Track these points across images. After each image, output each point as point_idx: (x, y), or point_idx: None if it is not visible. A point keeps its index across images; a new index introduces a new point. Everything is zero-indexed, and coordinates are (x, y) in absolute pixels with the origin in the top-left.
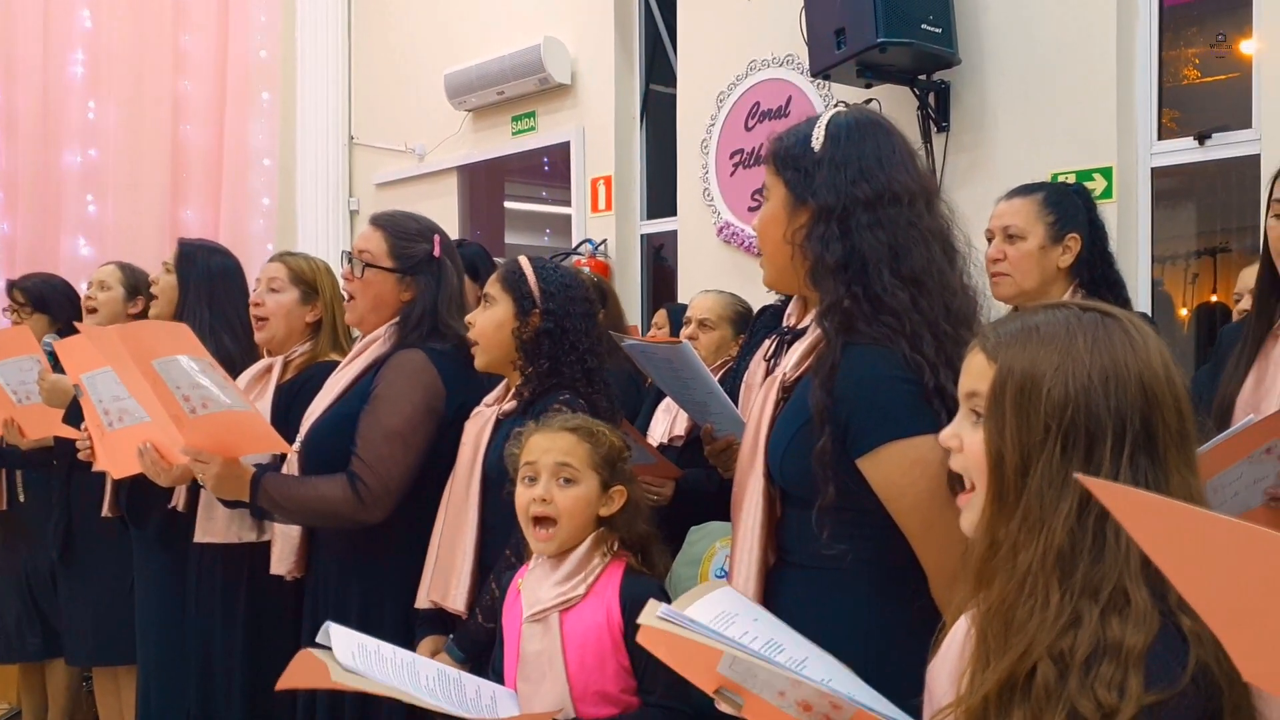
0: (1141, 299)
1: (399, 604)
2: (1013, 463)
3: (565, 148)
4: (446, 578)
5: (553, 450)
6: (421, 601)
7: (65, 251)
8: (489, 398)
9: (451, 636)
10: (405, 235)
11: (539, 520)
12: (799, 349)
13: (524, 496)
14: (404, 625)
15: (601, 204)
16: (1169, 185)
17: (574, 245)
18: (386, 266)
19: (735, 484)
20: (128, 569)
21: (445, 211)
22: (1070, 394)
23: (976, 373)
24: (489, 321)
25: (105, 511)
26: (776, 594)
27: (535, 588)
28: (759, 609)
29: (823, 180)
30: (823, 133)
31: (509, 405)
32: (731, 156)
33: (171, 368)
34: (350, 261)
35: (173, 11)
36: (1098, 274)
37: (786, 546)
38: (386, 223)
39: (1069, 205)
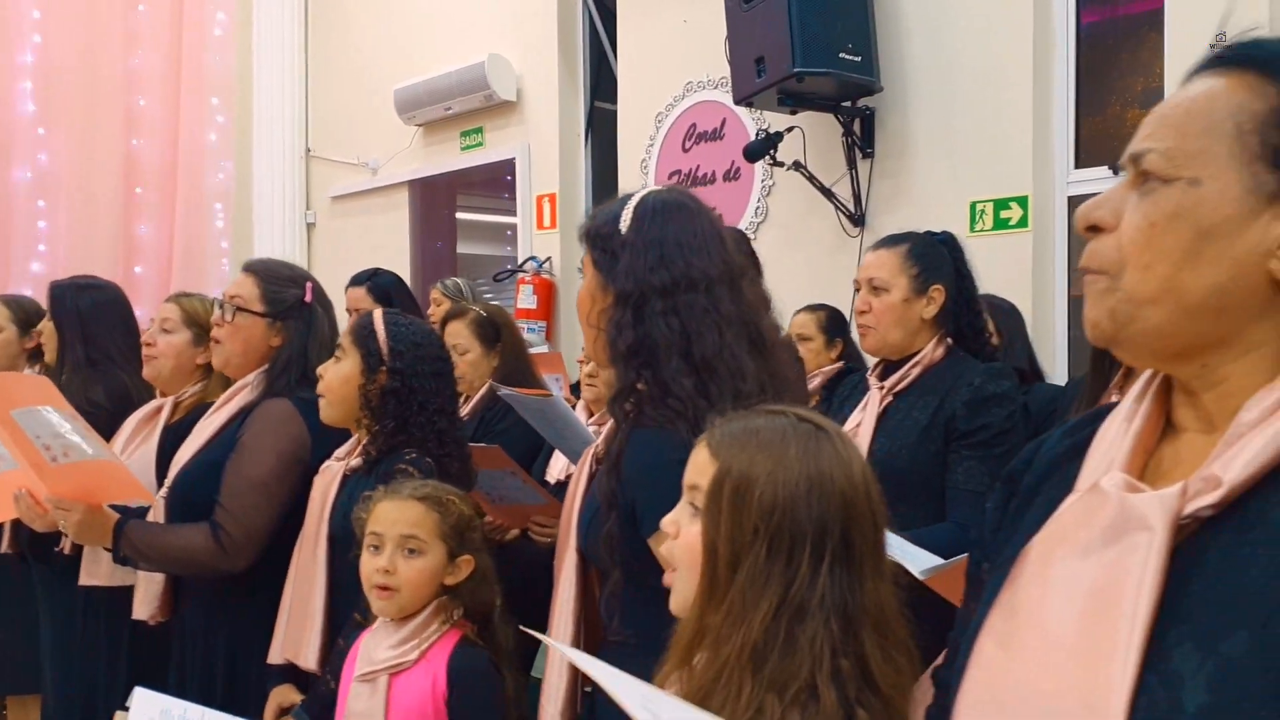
0: (1058, 326)
1: (265, 650)
2: (724, 557)
3: (511, 164)
4: (299, 635)
5: (399, 521)
6: (274, 658)
7: (16, 269)
8: (339, 451)
9: (302, 701)
10: (277, 280)
11: (381, 586)
12: (608, 427)
13: (368, 565)
14: (281, 673)
15: (547, 221)
16: None
17: (520, 262)
18: (256, 311)
19: (555, 558)
20: (35, 599)
21: (397, 224)
22: (779, 499)
23: (699, 467)
24: (336, 376)
25: (4, 548)
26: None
27: (372, 648)
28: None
29: (624, 265)
30: (630, 215)
31: (355, 462)
32: (670, 177)
33: (31, 417)
34: (221, 306)
35: (124, 26)
36: (964, 323)
37: (601, 621)
38: (259, 268)
39: (934, 256)
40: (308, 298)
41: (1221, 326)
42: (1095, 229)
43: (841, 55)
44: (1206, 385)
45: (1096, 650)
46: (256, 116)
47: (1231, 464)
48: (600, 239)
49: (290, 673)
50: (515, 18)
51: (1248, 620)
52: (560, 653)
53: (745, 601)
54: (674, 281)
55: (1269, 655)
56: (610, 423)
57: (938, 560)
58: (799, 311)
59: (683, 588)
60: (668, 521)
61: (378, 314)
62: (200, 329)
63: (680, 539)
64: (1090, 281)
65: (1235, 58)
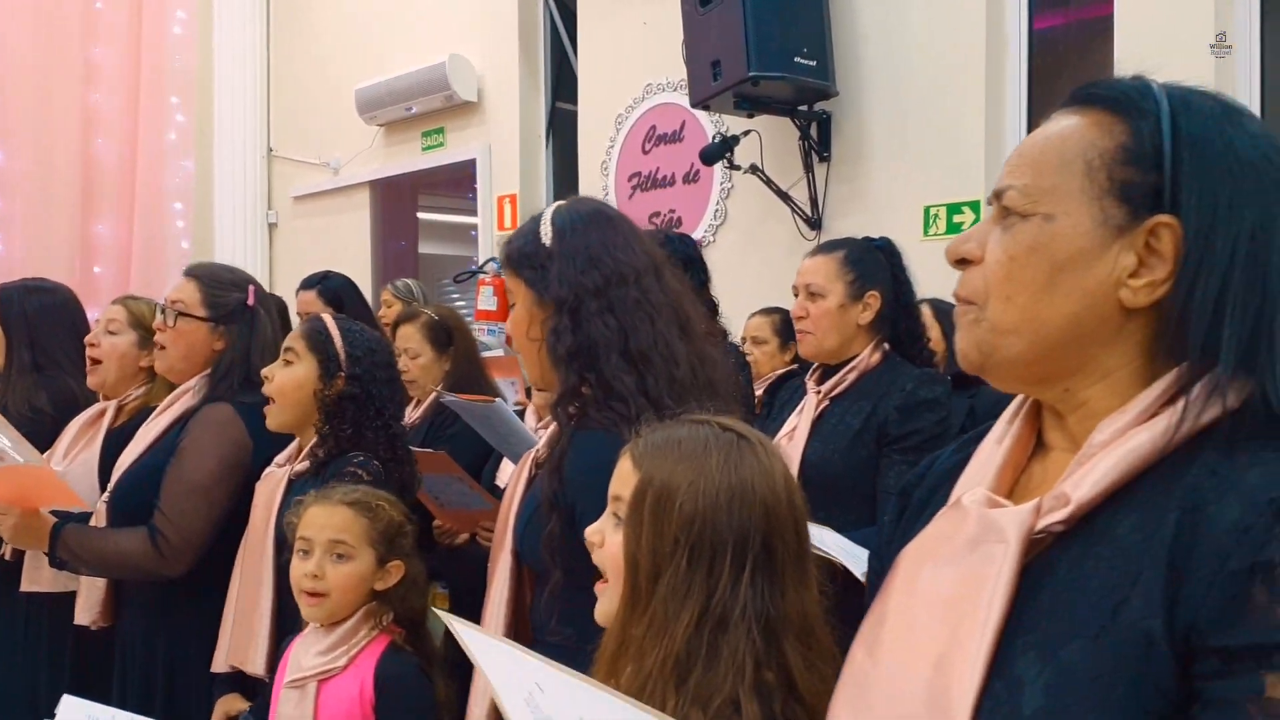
0: None
1: (206, 657)
2: (645, 568)
3: (472, 165)
4: (245, 641)
5: (328, 526)
6: (219, 665)
7: None
8: (280, 457)
9: (251, 707)
10: (219, 284)
11: (310, 591)
12: (551, 430)
13: (297, 569)
14: (227, 680)
15: (508, 221)
16: None
17: (480, 264)
18: (199, 315)
19: (490, 558)
20: None
21: (359, 224)
22: (699, 510)
23: (622, 478)
24: (289, 380)
25: None
26: None
27: (301, 654)
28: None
29: (555, 275)
30: (549, 228)
31: (301, 466)
32: (630, 179)
33: None
34: (163, 311)
35: (82, 23)
36: (901, 329)
37: (536, 624)
38: (200, 272)
39: (871, 263)
40: (250, 301)
41: (1078, 354)
42: (964, 261)
43: (797, 60)
44: (1070, 408)
45: (950, 657)
46: (217, 115)
47: (1080, 483)
48: (526, 257)
49: (236, 680)
50: (476, 18)
51: (1084, 629)
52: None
53: (667, 613)
54: (606, 280)
55: (1099, 662)
56: (553, 426)
57: None
58: (754, 314)
59: (608, 598)
60: (592, 531)
61: (329, 319)
62: (146, 332)
63: (604, 549)
64: (961, 312)
65: (1089, 97)
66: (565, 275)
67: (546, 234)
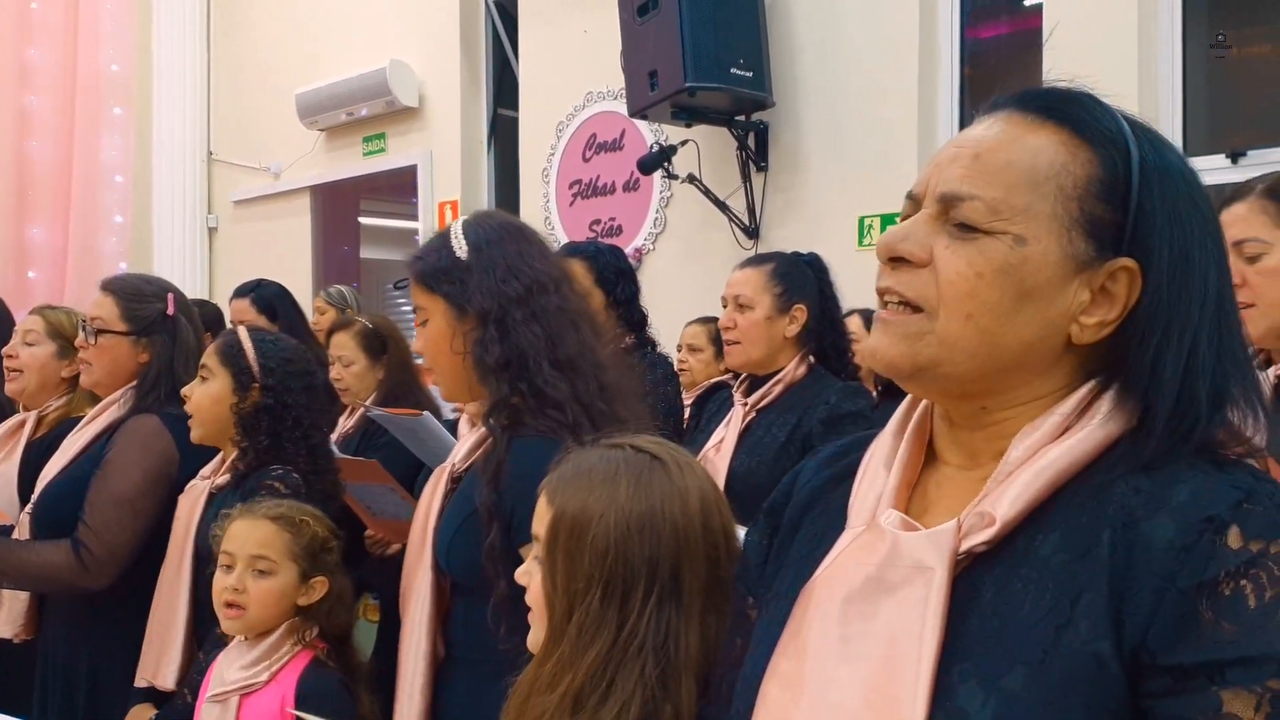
0: None
1: (129, 670)
2: (561, 606)
3: (414, 170)
4: (159, 654)
5: (250, 541)
6: (139, 680)
7: None
8: (205, 470)
9: (155, 715)
10: (137, 297)
11: (229, 604)
12: (469, 441)
13: (219, 583)
14: (146, 695)
15: None
16: None
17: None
18: (119, 330)
19: (404, 574)
20: None
21: (300, 229)
22: (611, 543)
23: (539, 516)
24: (206, 396)
25: None
26: (444, 689)
27: (224, 668)
28: None
29: (475, 287)
30: (463, 242)
31: (222, 479)
32: (570, 186)
33: None
34: (84, 328)
35: (17, 23)
36: (826, 342)
37: (453, 640)
38: (117, 286)
39: (798, 276)
40: (170, 310)
41: (1016, 378)
42: (898, 260)
43: (733, 70)
44: (978, 425)
45: (886, 693)
46: (156, 118)
47: (1002, 501)
48: (442, 272)
49: (156, 694)
50: (417, 24)
51: (1025, 655)
52: (409, 673)
53: (575, 650)
54: (527, 289)
55: (1048, 688)
56: (477, 436)
57: None
58: (691, 322)
59: (535, 632)
60: (520, 573)
61: (243, 331)
62: (65, 341)
63: (530, 588)
64: (895, 315)
65: (1053, 111)
66: (487, 286)
67: (461, 248)
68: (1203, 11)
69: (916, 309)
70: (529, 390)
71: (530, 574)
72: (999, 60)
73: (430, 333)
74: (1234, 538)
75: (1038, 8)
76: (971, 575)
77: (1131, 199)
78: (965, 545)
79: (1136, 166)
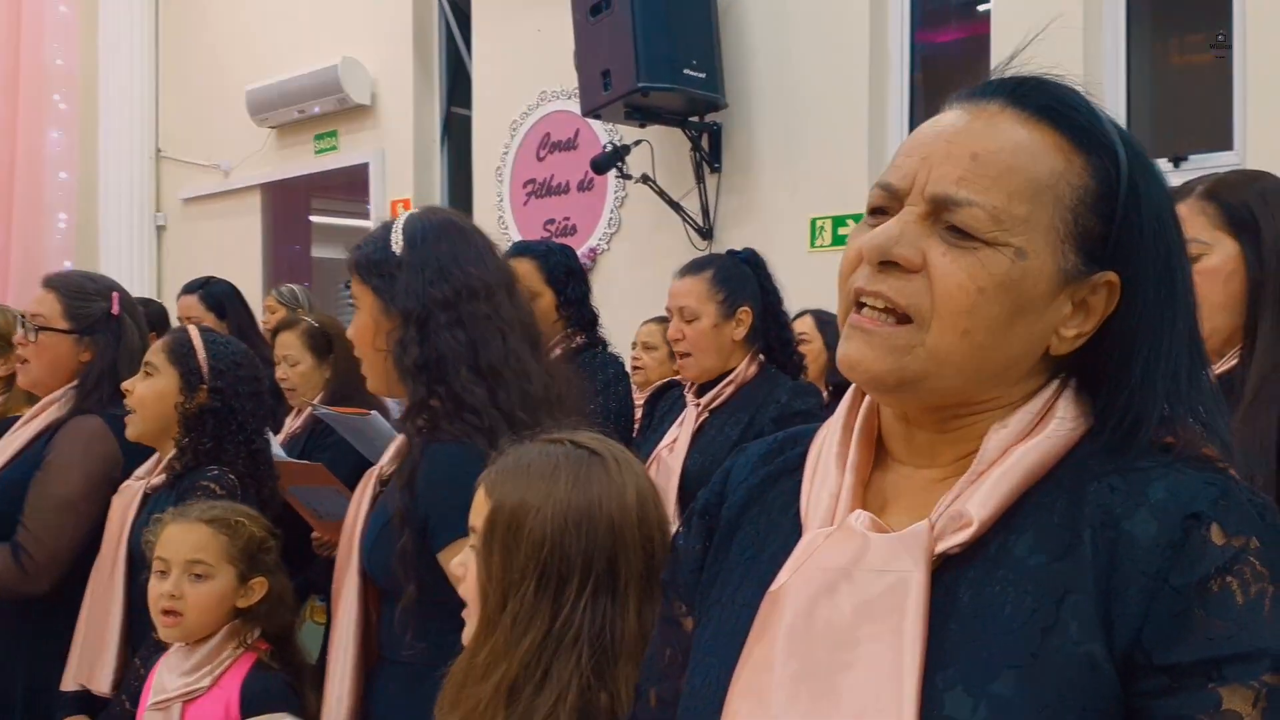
0: None
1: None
2: (495, 597)
3: (365, 169)
4: (93, 659)
5: (185, 545)
6: (67, 684)
7: None
8: (140, 470)
9: None
10: (80, 295)
11: (166, 611)
12: (397, 443)
13: (154, 589)
14: (75, 701)
15: None
16: None
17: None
18: (61, 328)
19: (334, 577)
20: None
21: (250, 228)
22: (547, 535)
23: (477, 508)
24: (150, 392)
25: None
26: (374, 690)
27: (165, 675)
28: None
29: (404, 285)
30: (400, 237)
31: (158, 479)
32: (525, 185)
33: None
34: (24, 325)
35: None
36: (773, 337)
37: (384, 641)
38: (59, 283)
39: (738, 278)
40: (115, 309)
41: (995, 388)
42: (888, 264)
43: (686, 71)
44: (943, 429)
45: (872, 705)
46: (103, 114)
47: (974, 501)
48: (375, 265)
49: (86, 700)
50: (370, 21)
51: (1012, 659)
52: (337, 677)
53: (509, 640)
54: (456, 293)
55: (1041, 692)
56: (403, 439)
57: None
58: (647, 321)
59: (471, 624)
60: (456, 564)
61: (194, 331)
62: (2, 341)
63: (466, 580)
64: (878, 325)
65: (1046, 108)
66: (413, 287)
67: (397, 242)
68: (1146, 19)
69: (904, 319)
70: (446, 395)
71: (466, 565)
72: (948, 65)
73: (357, 323)
74: (1217, 535)
75: (987, 14)
76: (946, 579)
77: (1118, 211)
78: (940, 547)
79: (1125, 178)
